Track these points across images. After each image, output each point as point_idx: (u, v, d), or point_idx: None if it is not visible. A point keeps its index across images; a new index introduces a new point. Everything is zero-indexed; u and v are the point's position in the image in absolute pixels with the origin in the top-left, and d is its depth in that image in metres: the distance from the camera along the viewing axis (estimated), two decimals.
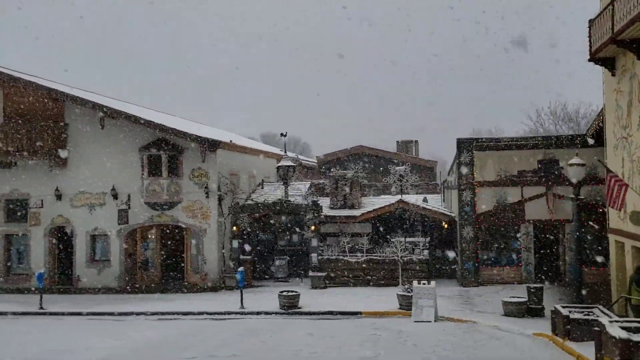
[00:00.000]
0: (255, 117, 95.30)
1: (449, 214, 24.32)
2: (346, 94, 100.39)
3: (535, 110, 46.87)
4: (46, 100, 24.26)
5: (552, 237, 22.27)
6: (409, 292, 18.01)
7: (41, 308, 19.93)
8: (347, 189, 25.98)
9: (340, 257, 23.50)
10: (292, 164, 26.50)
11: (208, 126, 37.52)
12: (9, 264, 24.65)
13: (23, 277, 24.24)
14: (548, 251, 22.31)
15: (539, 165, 21.89)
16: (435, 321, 16.65)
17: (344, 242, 23.95)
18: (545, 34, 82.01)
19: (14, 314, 19.71)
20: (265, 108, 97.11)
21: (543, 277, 21.77)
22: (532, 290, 17.00)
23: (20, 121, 23.97)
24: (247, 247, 24.89)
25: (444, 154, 60.12)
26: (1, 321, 18.88)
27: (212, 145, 23.41)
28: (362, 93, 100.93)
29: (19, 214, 24.63)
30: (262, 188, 27.90)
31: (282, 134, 27.60)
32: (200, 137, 23.39)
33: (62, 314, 19.50)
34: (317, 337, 15.15)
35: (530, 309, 16.85)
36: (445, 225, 24.45)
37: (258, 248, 25.21)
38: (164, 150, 23.42)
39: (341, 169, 31.77)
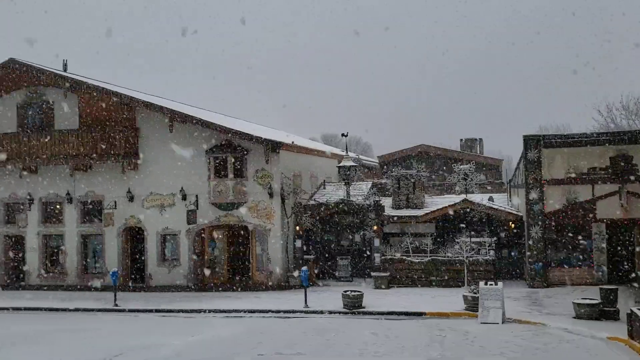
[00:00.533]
0: (316, 117, 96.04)
1: (516, 213, 23.74)
2: (407, 93, 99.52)
3: (606, 105, 44.99)
4: (119, 106, 25.38)
5: (626, 237, 21.34)
6: (475, 293, 17.72)
7: (116, 305, 20.88)
8: (410, 189, 25.80)
9: (404, 257, 23.38)
10: (354, 164, 26.58)
11: (270, 128, 38.15)
12: (85, 262, 25.94)
13: (98, 275, 25.46)
14: (622, 251, 21.40)
15: (611, 162, 21.03)
16: (502, 323, 16.32)
17: (407, 243, 23.82)
18: (619, 26, 78.44)
19: (91, 310, 20.74)
20: (325, 108, 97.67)
21: (617, 278, 20.89)
22: (605, 291, 16.36)
23: (94, 126, 25.19)
24: (310, 247, 25.18)
25: (509, 152, 58.62)
26: (80, 317, 19.91)
27: (275, 146, 23.82)
28: (424, 91, 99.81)
29: (94, 214, 25.88)
30: (324, 188, 28.13)
31: (343, 134, 27.72)
32: (263, 139, 23.86)
33: (136, 311, 20.35)
34: (381, 336, 15.17)
35: (603, 312, 16.22)
36: (512, 225, 23.87)
37: (320, 248, 25.44)
38: (229, 153, 24.04)
39: (403, 169, 31.58)
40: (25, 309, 21.25)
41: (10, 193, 26.27)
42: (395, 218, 24.61)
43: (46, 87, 26.08)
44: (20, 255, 26.50)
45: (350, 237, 25.32)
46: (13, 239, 26.60)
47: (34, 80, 26.01)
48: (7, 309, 21.37)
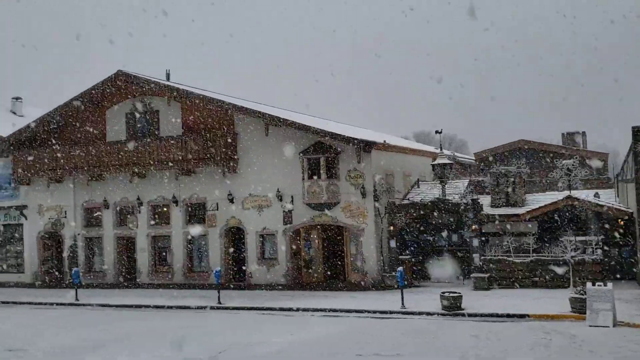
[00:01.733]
0: (408, 116, 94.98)
1: (625, 209, 22.27)
2: (503, 87, 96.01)
3: None
4: (218, 112, 26.51)
5: None
6: (582, 294, 16.84)
7: (219, 303, 21.83)
8: (510, 186, 24.93)
9: (504, 257, 22.64)
10: (449, 162, 26.08)
11: (361, 128, 38.26)
12: (190, 262, 27.31)
13: (203, 274, 26.72)
14: None
15: None
16: (613, 326, 15.39)
17: (507, 242, 23.04)
18: None
19: (197, 308, 21.82)
20: (417, 106, 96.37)
21: None
22: None
23: (196, 132, 26.48)
24: (405, 247, 25.00)
25: (615, 145, 54.99)
26: (186, 314, 21.00)
27: (367, 146, 23.89)
28: (522, 85, 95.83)
29: (198, 216, 27.20)
30: (418, 187, 27.81)
31: (437, 131, 27.27)
32: (355, 138, 24.00)
33: (238, 308, 21.16)
34: (482, 339, 14.80)
35: None
36: (621, 223, 22.42)
37: (416, 248, 25.18)
38: (322, 154, 24.40)
39: (501, 165, 30.54)
40: (136, 306, 22.71)
41: (122, 197, 28.19)
42: (494, 217, 23.87)
43: (152, 97, 27.75)
44: (132, 255, 28.35)
45: (447, 236, 24.84)
46: (125, 240, 28.51)
47: (141, 91, 27.75)
48: (121, 306, 22.96)
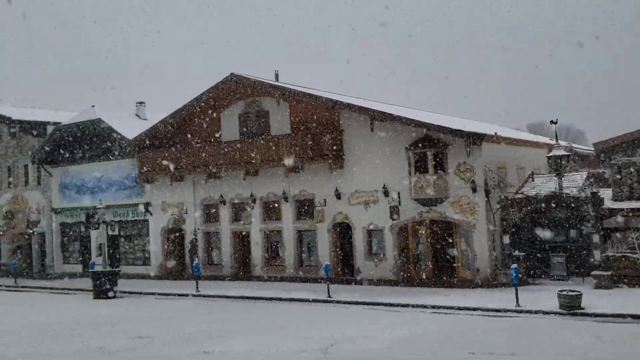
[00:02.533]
0: (520, 106, 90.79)
1: None
2: (622, 73, 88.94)
3: None
4: (323, 109, 26.99)
5: None
6: None
7: (329, 296, 22.27)
8: (634, 178, 23.14)
9: (629, 254, 21.10)
10: (565, 153, 24.69)
11: (469, 120, 37.19)
12: (300, 256, 28.07)
13: (312, 268, 27.37)
14: None
15: None
16: None
17: (632, 238, 21.44)
18: None
19: (307, 300, 22.42)
20: (529, 95, 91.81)
21: None
22: None
23: (304, 130, 27.14)
24: (519, 243, 24.03)
25: None
26: (297, 307, 21.66)
27: (476, 139, 23.23)
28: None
29: (306, 212, 27.89)
30: (532, 180, 26.60)
31: (552, 122, 25.88)
32: (464, 131, 23.41)
33: (346, 302, 21.47)
34: (606, 341, 13.92)
35: None
36: None
37: (531, 244, 24.11)
38: (429, 148, 24.06)
39: (624, 156, 28.40)
40: (251, 298, 23.76)
41: (237, 194, 29.55)
42: (616, 211, 22.28)
43: (262, 97, 28.81)
44: (247, 249, 29.64)
45: (565, 232, 23.55)
46: (240, 235, 29.88)
47: (252, 92, 28.90)
48: (237, 297, 24.14)
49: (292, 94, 27.55)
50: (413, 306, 19.97)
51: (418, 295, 21.80)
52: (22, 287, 31.49)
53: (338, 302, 21.70)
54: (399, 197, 25.08)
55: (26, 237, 37.42)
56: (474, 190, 23.49)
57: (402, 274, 25.29)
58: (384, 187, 25.43)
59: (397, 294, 22.32)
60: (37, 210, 36.67)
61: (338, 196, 26.63)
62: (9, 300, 27.10)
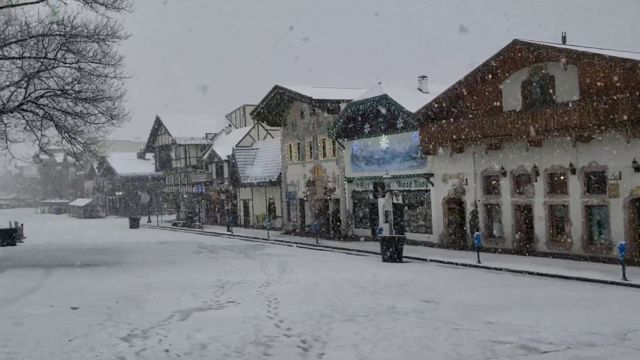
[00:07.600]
0: None
1: None
2: None
3: None
4: (622, 72, 24.23)
5: None
6: None
7: (624, 279, 20.35)
8: None
9: None
10: None
11: None
12: (590, 233, 26.01)
13: (603, 247, 25.18)
14: None
15: None
16: None
17: None
18: None
19: (597, 281, 20.91)
20: None
21: None
22: None
23: (595, 96, 24.83)
24: None
25: None
26: (584, 287, 20.40)
27: None
28: None
29: (597, 185, 25.65)
30: None
31: None
32: None
33: None
34: None
35: None
36: None
37: None
38: None
39: None
40: (533, 273, 23.13)
41: (518, 165, 28.69)
42: None
43: (546, 62, 27.19)
44: (529, 223, 28.67)
45: None
46: (521, 208, 29.02)
47: (536, 57, 27.47)
48: (518, 271, 23.77)
49: (583, 56, 25.35)
50: None
51: None
52: (323, 246, 36.03)
53: (637, 286, 19.71)
54: None
55: (324, 202, 42.44)
56: None
57: None
58: None
59: None
60: (333, 179, 41.21)
61: (636, 169, 23.82)
62: (314, 257, 31.27)
